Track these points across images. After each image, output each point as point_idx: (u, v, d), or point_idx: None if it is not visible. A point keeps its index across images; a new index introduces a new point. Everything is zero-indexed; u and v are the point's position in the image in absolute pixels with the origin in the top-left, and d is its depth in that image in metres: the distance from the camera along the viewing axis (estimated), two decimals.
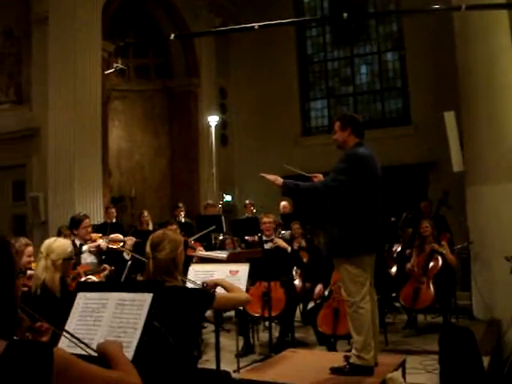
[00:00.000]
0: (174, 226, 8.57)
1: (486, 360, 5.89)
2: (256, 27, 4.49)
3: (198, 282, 4.11)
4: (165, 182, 16.35)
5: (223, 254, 5.76)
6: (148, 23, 15.61)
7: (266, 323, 7.37)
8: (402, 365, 5.20)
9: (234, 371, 5.65)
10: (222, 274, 4.76)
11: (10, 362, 1.63)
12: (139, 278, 7.00)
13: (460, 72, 9.07)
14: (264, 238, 8.11)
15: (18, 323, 1.84)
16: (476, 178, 8.70)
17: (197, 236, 9.42)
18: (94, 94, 11.69)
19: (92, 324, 2.74)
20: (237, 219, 11.60)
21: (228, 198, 16.80)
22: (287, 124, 16.92)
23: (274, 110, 16.70)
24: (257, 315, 6.99)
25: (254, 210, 11.28)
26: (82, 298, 2.88)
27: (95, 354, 2.02)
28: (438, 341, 5.79)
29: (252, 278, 6.58)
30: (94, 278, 5.73)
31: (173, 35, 4.97)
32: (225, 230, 10.14)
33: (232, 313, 8.14)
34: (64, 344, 2.44)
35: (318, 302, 7.19)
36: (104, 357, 1.97)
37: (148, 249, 3.66)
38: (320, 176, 5.15)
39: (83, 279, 5.48)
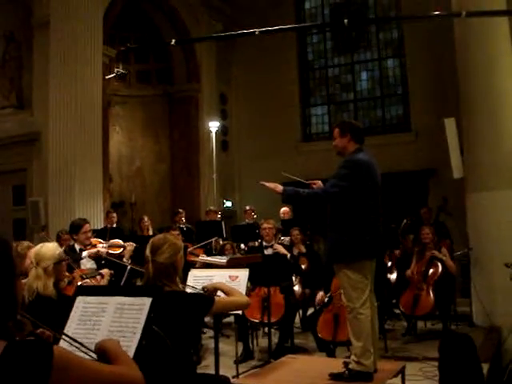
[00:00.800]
0: (176, 232, 8.58)
1: (485, 367, 5.89)
2: (257, 33, 4.49)
3: (198, 287, 4.10)
4: (165, 187, 16.35)
5: (223, 260, 5.76)
6: (149, 29, 15.63)
7: (266, 329, 7.36)
8: (402, 371, 5.19)
9: (233, 377, 5.64)
10: (222, 280, 4.75)
11: (10, 361, 1.63)
12: (139, 283, 6.99)
13: (460, 78, 9.10)
14: (264, 243, 8.12)
15: (21, 327, 1.84)
16: (476, 185, 8.72)
17: (199, 245, 9.43)
18: (95, 99, 11.70)
19: (91, 328, 2.74)
20: (237, 225, 11.61)
21: (228, 203, 16.80)
22: (288, 130, 16.92)
23: (275, 115, 16.69)
24: (256, 321, 6.99)
25: (255, 216, 11.28)
26: (81, 302, 2.88)
27: (95, 357, 2.01)
28: (437, 347, 5.78)
29: (252, 284, 6.59)
30: (90, 282, 5.70)
31: (174, 41, 4.97)
32: (225, 235, 10.15)
33: (231, 318, 8.14)
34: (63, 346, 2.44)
35: (318, 308, 7.18)
36: (103, 355, 1.96)
37: (148, 252, 3.65)
38: (319, 183, 5.15)
39: (79, 283, 5.46)
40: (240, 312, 4.80)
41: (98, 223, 10.96)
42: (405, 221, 10.13)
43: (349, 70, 17.40)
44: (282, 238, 9.47)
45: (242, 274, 4.98)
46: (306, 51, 17.95)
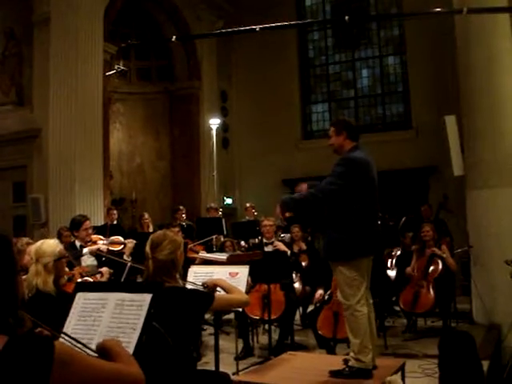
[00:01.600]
0: (177, 229, 8.58)
1: (485, 364, 5.88)
2: (257, 29, 4.49)
3: (198, 284, 4.10)
4: (165, 184, 16.35)
5: (223, 256, 5.76)
6: (150, 26, 15.63)
7: (266, 326, 7.36)
8: (402, 368, 5.20)
9: (233, 374, 5.63)
10: (222, 276, 4.74)
11: (12, 355, 1.63)
12: (139, 279, 6.99)
13: (461, 76, 9.09)
14: (264, 240, 8.12)
15: (20, 323, 1.84)
16: (476, 183, 8.70)
17: (199, 242, 9.44)
18: (96, 96, 11.70)
19: (91, 324, 2.74)
20: (237, 222, 11.62)
21: (229, 200, 16.79)
22: (288, 127, 16.91)
23: (275, 113, 16.69)
24: (256, 318, 6.99)
25: (256, 213, 11.28)
26: (81, 298, 2.88)
27: (95, 355, 2.02)
28: (437, 345, 5.78)
29: (252, 281, 6.59)
30: (90, 280, 5.70)
31: (174, 37, 4.98)
32: (225, 232, 10.15)
33: (231, 315, 8.14)
34: None
35: (318, 305, 7.19)
36: (104, 353, 1.97)
37: (148, 249, 3.66)
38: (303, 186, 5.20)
39: (79, 280, 5.45)
40: (240, 309, 4.80)
41: (99, 220, 10.96)
42: (404, 218, 10.13)
43: (349, 67, 17.40)
44: (283, 235, 9.48)
45: (243, 271, 4.98)
46: (307, 48, 17.94)
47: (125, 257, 7.11)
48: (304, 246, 8.92)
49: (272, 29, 5.03)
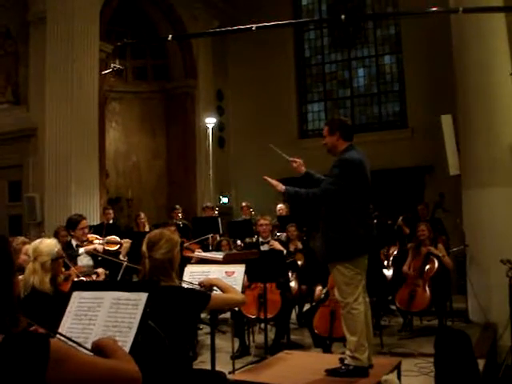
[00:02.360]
0: (173, 228, 8.57)
1: (481, 363, 5.90)
2: (253, 28, 4.50)
3: (195, 283, 4.10)
4: (161, 183, 16.34)
5: (219, 255, 5.75)
6: (146, 25, 15.62)
7: (262, 325, 7.36)
8: (398, 367, 5.21)
9: (230, 373, 5.63)
10: (218, 275, 4.75)
11: (8, 353, 1.64)
12: (135, 279, 6.98)
13: (457, 75, 9.10)
14: (260, 239, 8.13)
15: (16, 322, 1.85)
16: (472, 182, 8.73)
17: (195, 241, 9.44)
18: (92, 95, 11.68)
19: (87, 323, 2.73)
20: (233, 221, 11.61)
21: (224, 200, 16.80)
22: (284, 126, 16.90)
23: (272, 112, 16.69)
24: (252, 317, 6.98)
25: (253, 212, 11.27)
26: (76, 297, 2.87)
27: (91, 354, 2.02)
28: (433, 343, 5.80)
29: (248, 280, 6.59)
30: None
31: (170, 36, 4.97)
32: (221, 231, 10.15)
33: (228, 314, 8.14)
34: None
35: (314, 304, 7.19)
36: (99, 352, 1.97)
37: (144, 248, 3.64)
38: (300, 161, 5.24)
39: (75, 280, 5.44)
40: (236, 308, 4.80)
41: (95, 219, 10.95)
42: (401, 217, 10.15)
43: (346, 66, 17.41)
44: (279, 234, 9.48)
45: (239, 270, 4.98)
46: (303, 47, 17.94)
47: (121, 257, 7.11)
48: (300, 245, 8.92)
49: (268, 27, 5.04)
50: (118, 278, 6.47)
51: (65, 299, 2.95)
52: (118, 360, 1.91)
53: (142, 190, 16.09)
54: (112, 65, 8.60)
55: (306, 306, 8.26)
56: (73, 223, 6.89)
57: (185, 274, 4.92)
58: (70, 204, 10.92)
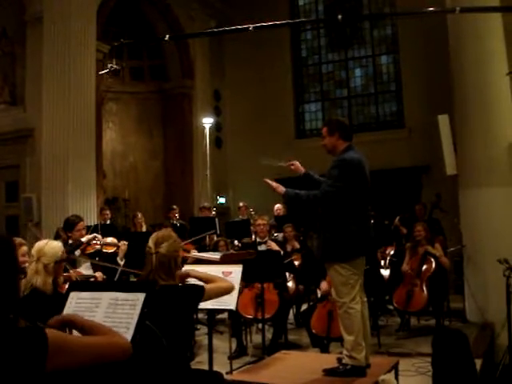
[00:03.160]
0: (169, 229, 8.54)
1: (478, 363, 5.91)
2: (251, 29, 4.50)
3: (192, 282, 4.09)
4: (159, 183, 16.33)
5: (216, 255, 5.75)
6: (143, 25, 15.60)
7: (259, 325, 7.36)
8: (395, 367, 5.21)
9: (227, 373, 5.63)
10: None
11: (7, 348, 1.70)
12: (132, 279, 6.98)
13: (453, 75, 9.11)
14: (258, 239, 8.13)
15: (16, 320, 1.91)
16: (469, 182, 8.74)
17: (190, 240, 9.42)
18: (89, 96, 11.66)
19: None
20: (230, 221, 11.61)
21: (222, 200, 16.80)
22: (281, 126, 16.91)
23: (269, 112, 16.69)
24: (250, 317, 6.98)
25: (253, 212, 11.24)
26: (74, 298, 2.87)
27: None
28: (430, 343, 5.80)
29: (245, 280, 6.58)
30: None
31: (167, 36, 4.97)
32: (219, 232, 10.14)
33: (225, 315, 8.14)
34: None
35: (313, 304, 7.18)
36: (83, 330, 2.02)
37: (151, 244, 3.73)
38: (297, 163, 5.26)
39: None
40: (234, 308, 4.80)
41: (92, 219, 10.93)
42: (398, 218, 10.15)
43: (343, 66, 17.41)
44: (276, 234, 9.48)
45: (236, 270, 4.98)
46: (300, 48, 17.94)
47: (118, 259, 7.11)
48: (297, 245, 8.92)
49: (265, 27, 5.04)
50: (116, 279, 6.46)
51: (63, 300, 2.95)
52: (107, 336, 2.00)
53: (139, 190, 16.08)
54: (109, 65, 8.56)
55: (304, 307, 8.27)
56: (70, 224, 6.88)
57: None
58: (67, 204, 10.89)
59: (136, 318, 2.62)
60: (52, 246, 4.46)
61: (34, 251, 4.40)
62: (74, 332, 2.05)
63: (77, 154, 11.26)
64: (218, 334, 7.80)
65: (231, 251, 8.73)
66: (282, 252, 7.68)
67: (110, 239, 7.42)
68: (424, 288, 7.76)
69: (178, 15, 15.77)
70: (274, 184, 5.06)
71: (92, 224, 9.58)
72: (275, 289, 7.20)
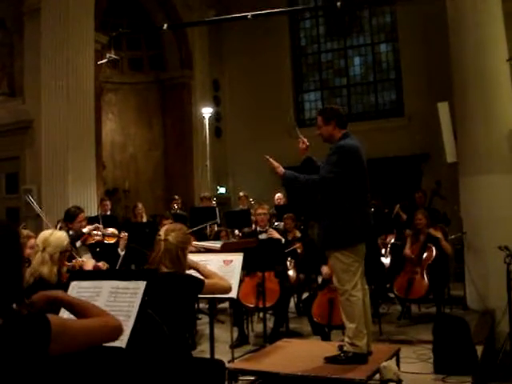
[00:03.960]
0: (170, 220, 8.55)
1: (479, 349, 5.92)
2: (249, 17, 4.51)
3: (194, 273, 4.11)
4: (158, 174, 16.33)
5: (217, 244, 5.75)
6: (141, 16, 15.54)
7: (261, 314, 7.38)
8: (396, 354, 5.22)
9: (229, 361, 5.65)
10: (216, 264, 4.77)
11: (10, 335, 1.73)
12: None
13: (453, 62, 9.09)
14: (258, 228, 8.13)
15: (20, 310, 1.93)
16: (469, 169, 8.73)
17: (195, 229, 9.43)
18: (87, 87, 11.62)
19: None
20: (231, 211, 11.61)
21: (222, 190, 16.80)
22: (281, 116, 16.86)
23: (268, 101, 16.66)
24: (251, 306, 6.99)
25: (253, 202, 11.24)
26: (75, 287, 2.88)
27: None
28: (431, 330, 5.82)
29: (246, 269, 6.59)
30: None
31: (166, 25, 4.96)
32: (219, 222, 10.15)
33: (226, 304, 8.16)
34: None
35: (313, 292, 7.19)
36: (73, 311, 2.04)
37: (162, 232, 3.85)
38: (307, 143, 5.22)
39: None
40: (235, 296, 4.81)
41: (92, 210, 10.92)
42: (398, 206, 10.14)
43: (342, 55, 17.37)
44: (276, 223, 9.48)
45: (237, 259, 4.99)
46: (299, 36, 17.90)
47: (119, 250, 7.13)
48: (298, 234, 8.93)
49: (263, 16, 5.03)
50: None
51: (65, 289, 2.96)
52: (100, 317, 2.04)
53: (139, 180, 16.08)
54: (107, 55, 8.57)
55: (305, 295, 8.28)
56: (71, 216, 6.88)
57: None
58: (67, 196, 10.88)
59: (137, 306, 2.63)
60: (57, 236, 4.50)
61: (39, 241, 4.44)
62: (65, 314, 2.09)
63: (76, 145, 11.24)
64: (219, 324, 7.82)
65: (232, 240, 8.75)
66: (283, 240, 7.69)
67: (110, 230, 7.43)
68: (425, 276, 7.77)
69: (176, 5, 15.71)
70: (275, 163, 5.04)
71: (93, 215, 9.62)
72: (276, 277, 7.21)
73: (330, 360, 4.81)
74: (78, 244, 6.65)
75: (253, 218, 8.90)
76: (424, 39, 14.72)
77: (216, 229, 10.29)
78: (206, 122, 15.10)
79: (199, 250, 6.52)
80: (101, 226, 7.15)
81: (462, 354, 5.48)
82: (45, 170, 11.31)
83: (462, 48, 8.75)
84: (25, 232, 5.20)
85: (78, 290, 2.87)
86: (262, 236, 7.90)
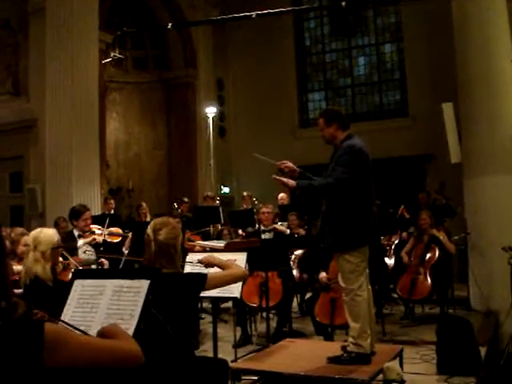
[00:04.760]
0: (177, 219, 8.57)
1: (482, 350, 5.91)
2: (253, 16, 4.50)
3: (196, 269, 4.10)
4: (162, 173, 16.32)
5: (221, 244, 5.77)
6: (146, 15, 15.55)
7: (264, 314, 7.38)
8: (400, 354, 5.22)
9: (232, 361, 5.65)
10: None
11: (4, 339, 1.66)
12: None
13: (458, 63, 9.07)
14: (262, 228, 8.13)
15: (14, 308, 1.86)
16: (473, 170, 8.71)
17: (196, 232, 9.45)
18: (92, 86, 11.64)
19: (89, 311, 2.74)
20: (234, 210, 11.61)
21: (226, 189, 16.80)
22: (285, 116, 16.88)
23: (272, 101, 16.66)
24: (254, 306, 6.99)
25: (256, 202, 11.24)
26: (78, 286, 2.87)
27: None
28: (435, 331, 5.81)
29: (249, 268, 6.59)
30: None
31: (170, 24, 4.97)
32: (223, 221, 10.16)
33: (230, 304, 8.16)
34: None
35: (320, 287, 7.17)
36: (103, 335, 1.98)
37: (150, 231, 3.69)
38: (289, 163, 5.11)
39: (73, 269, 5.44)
40: (238, 296, 4.81)
41: (96, 209, 10.94)
42: (402, 206, 10.14)
43: (346, 55, 17.35)
44: (280, 222, 9.48)
45: (240, 258, 4.99)
46: (303, 36, 17.88)
47: (123, 249, 7.12)
48: (303, 232, 8.94)
49: (268, 15, 5.03)
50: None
51: (64, 288, 2.96)
52: (119, 340, 1.95)
53: (143, 180, 16.09)
54: (112, 54, 8.56)
55: (308, 295, 8.28)
56: (76, 213, 6.86)
57: (187, 260, 4.95)
58: (71, 195, 10.90)
59: (140, 305, 2.63)
60: (47, 234, 4.54)
61: (29, 240, 4.47)
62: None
63: (80, 145, 11.26)
64: (222, 323, 7.83)
65: (235, 240, 8.76)
66: (288, 231, 7.69)
67: (114, 229, 7.44)
68: (428, 276, 7.77)
69: (182, 5, 15.71)
70: (284, 179, 4.99)
71: (96, 214, 9.63)
72: (279, 277, 7.21)
73: (332, 360, 4.80)
74: (80, 242, 6.64)
75: (256, 217, 8.91)
76: (429, 39, 14.71)
77: (219, 228, 10.30)
78: (210, 121, 15.10)
79: (204, 249, 6.54)
80: (102, 228, 7.15)
81: (465, 355, 5.48)
82: (49, 169, 11.33)
83: (467, 48, 8.73)
84: (19, 230, 5.22)
85: (81, 288, 2.87)
86: (266, 235, 7.91)
